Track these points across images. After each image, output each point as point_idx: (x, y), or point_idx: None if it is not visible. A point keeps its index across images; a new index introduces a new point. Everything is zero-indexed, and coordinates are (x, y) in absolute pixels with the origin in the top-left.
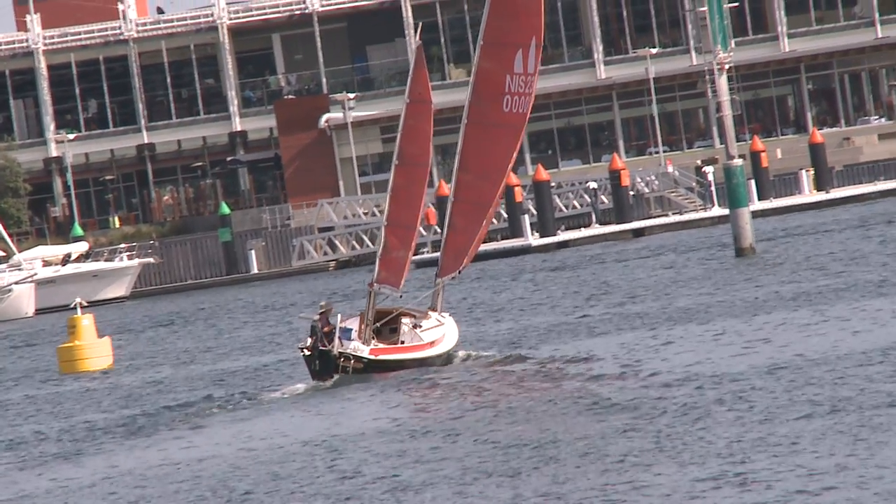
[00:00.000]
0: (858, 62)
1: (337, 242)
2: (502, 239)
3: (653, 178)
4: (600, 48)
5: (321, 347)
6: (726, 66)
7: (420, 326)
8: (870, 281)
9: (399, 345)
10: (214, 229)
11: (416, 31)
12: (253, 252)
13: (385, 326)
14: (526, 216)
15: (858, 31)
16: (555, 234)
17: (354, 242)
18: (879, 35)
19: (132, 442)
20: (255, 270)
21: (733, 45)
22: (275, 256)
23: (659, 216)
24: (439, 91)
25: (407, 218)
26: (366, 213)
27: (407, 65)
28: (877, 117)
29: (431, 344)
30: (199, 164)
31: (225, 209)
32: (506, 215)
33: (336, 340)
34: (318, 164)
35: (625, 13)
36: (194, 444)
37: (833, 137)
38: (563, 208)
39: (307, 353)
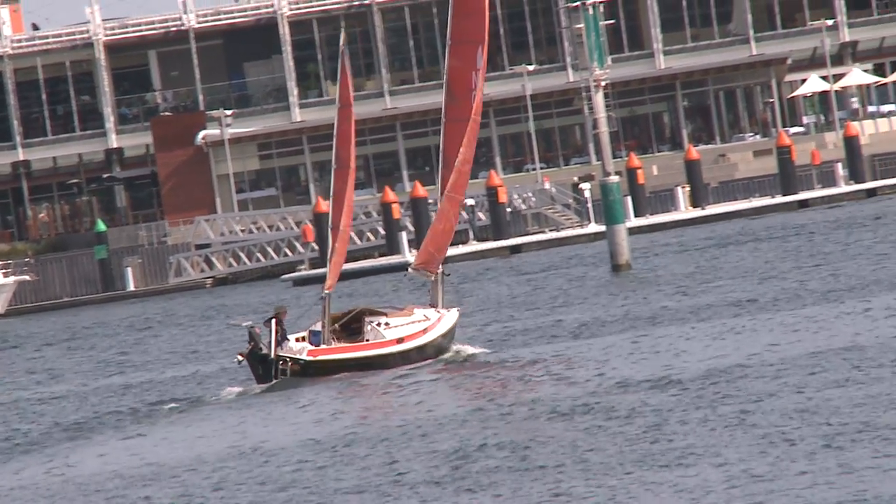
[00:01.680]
0: (733, 79)
1: (214, 259)
2: (380, 256)
3: (530, 194)
4: None
5: (265, 351)
6: (602, 83)
7: (388, 324)
8: (745, 297)
9: (356, 343)
10: (90, 246)
11: (341, 38)
12: (129, 269)
13: (354, 326)
14: (403, 233)
15: (733, 48)
16: None
17: (231, 259)
18: (754, 52)
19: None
20: (131, 288)
21: (609, 61)
22: (151, 274)
23: (536, 233)
24: (315, 108)
25: (345, 221)
26: (243, 230)
27: (283, 81)
28: (751, 134)
29: (398, 341)
30: (75, 180)
31: (101, 226)
32: (383, 232)
33: (273, 344)
34: (195, 181)
35: (501, 30)
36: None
37: (708, 154)
38: None
39: (240, 359)
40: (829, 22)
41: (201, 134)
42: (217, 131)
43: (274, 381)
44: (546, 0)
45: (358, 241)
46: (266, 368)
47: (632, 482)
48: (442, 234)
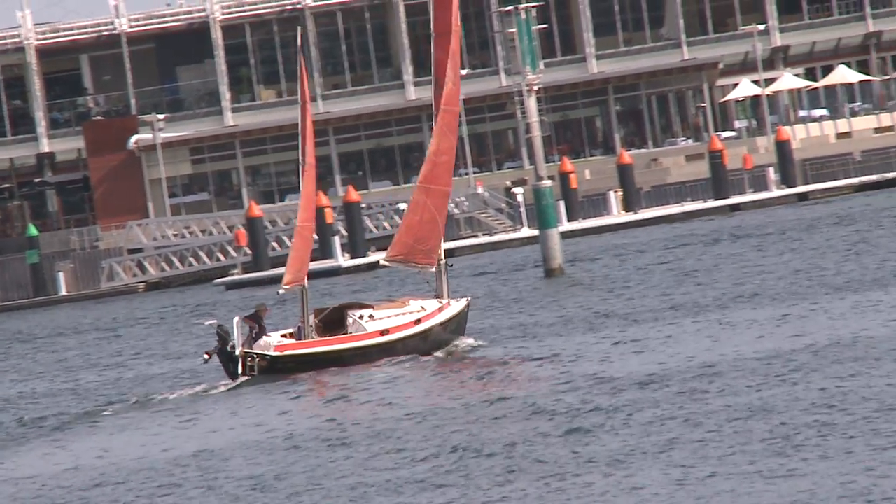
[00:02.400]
0: (665, 83)
1: (146, 264)
2: (312, 260)
3: (463, 199)
4: (410, 69)
5: (245, 350)
6: (535, 88)
7: (371, 317)
8: (677, 302)
9: (331, 337)
10: (22, 251)
11: (300, 38)
12: (61, 274)
13: (339, 321)
14: (336, 237)
15: (665, 52)
16: (365, 255)
17: (164, 264)
18: (686, 57)
19: None
20: (63, 292)
21: (542, 66)
22: (83, 278)
23: (469, 237)
24: (247, 112)
25: (302, 216)
26: (175, 235)
27: (216, 85)
28: (683, 138)
29: (381, 333)
30: (7, 185)
31: (32, 231)
32: (316, 237)
33: (240, 341)
34: (128, 186)
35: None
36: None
37: (641, 158)
38: (374, 229)
39: (207, 357)
40: (761, 27)
41: (134, 138)
42: (149, 136)
43: (241, 379)
44: (479, 5)
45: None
46: (236, 365)
47: (572, 484)
48: (421, 225)
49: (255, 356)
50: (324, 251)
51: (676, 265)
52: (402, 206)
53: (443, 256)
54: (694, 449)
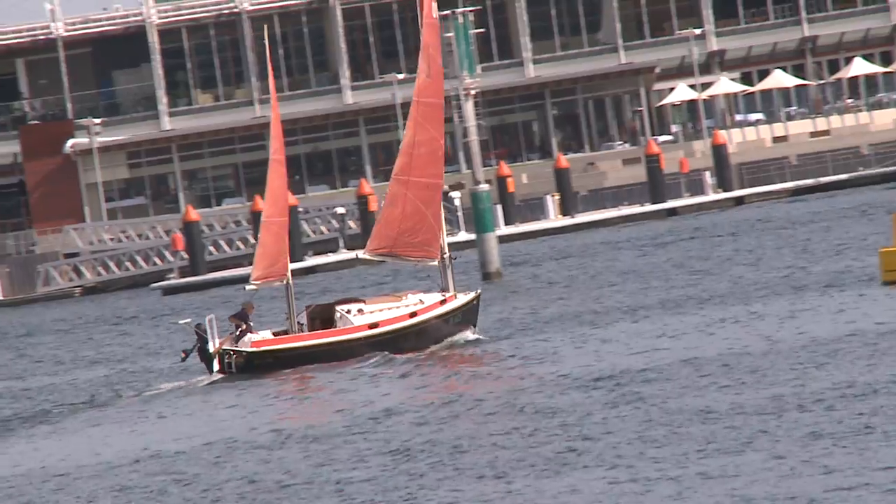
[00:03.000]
0: (602, 88)
1: (83, 268)
2: (249, 265)
3: None
4: (347, 74)
5: (223, 346)
6: (472, 92)
7: (360, 311)
8: (617, 305)
9: (313, 332)
10: None
11: (267, 38)
12: None
13: (329, 316)
14: None
15: (602, 56)
16: (302, 260)
17: (100, 268)
18: (623, 61)
19: None
20: None
21: (479, 70)
22: (19, 282)
23: None
24: (184, 117)
25: (269, 212)
26: (112, 239)
27: (152, 89)
28: (620, 143)
29: (369, 327)
30: None
31: None
32: (253, 241)
33: (213, 339)
34: (64, 190)
35: (371, 39)
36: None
37: (578, 162)
38: (311, 233)
39: (184, 357)
40: (697, 31)
41: (70, 142)
42: (86, 140)
43: (216, 376)
44: (415, 9)
45: (228, 250)
46: (210, 363)
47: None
48: (404, 218)
49: (231, 353)
50: None
51: (613, 268)
52: (340, 209)
53: (446, 250)
54: (632, 449)
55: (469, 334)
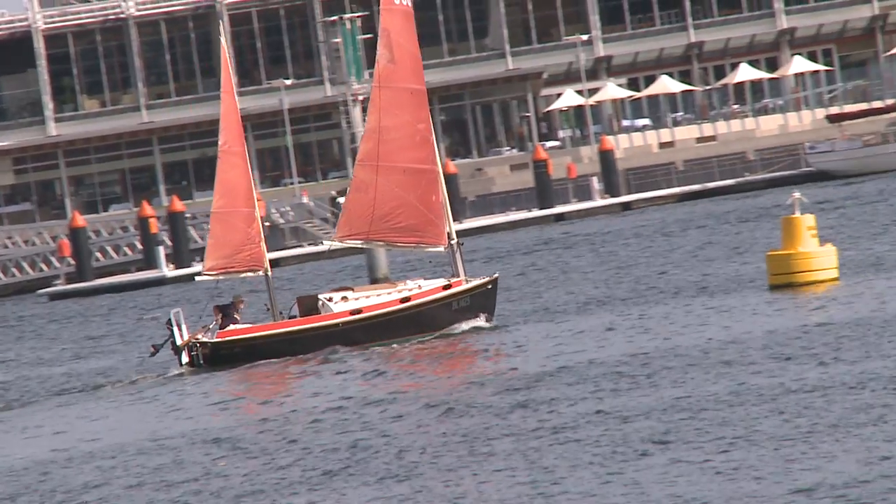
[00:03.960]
0: (490, 93)
1: None
2: (137, 270)
3: (288, 209)
4: (234, 79)
5: (191, 338)
6: (360, 97)
7: (345, 298)
8: (508, 311)
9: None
10: None
11: (224, 36)
12: None
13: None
14: (161, 247)
15: (490, 62)
16: (190, 266)
17: None
18: (510, 66)
19: None
20: None
21: (367, 76)
22: None
23: (294, 247)
24: (70, 122)
25: (220, 203)
26: None
27: (38, 95)
28: (508, 148)
29: (350, 313)
30: None
31: None
32: (140, 246)
33: (179, 333)
34: None
35: (259, 45)
36: None
37: (465, 168)
38: (199, 239)
39: (153, 351)
40: (584, 37)
41: None
42: None
43: (182, 370)
44: (303, 14)
45: (115, 256)
46: (179, 355)
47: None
48: (379, 204)
49: (198, 345)
50: (148, 261)
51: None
52: None
53: (454, 236)
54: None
55: (480, 321)
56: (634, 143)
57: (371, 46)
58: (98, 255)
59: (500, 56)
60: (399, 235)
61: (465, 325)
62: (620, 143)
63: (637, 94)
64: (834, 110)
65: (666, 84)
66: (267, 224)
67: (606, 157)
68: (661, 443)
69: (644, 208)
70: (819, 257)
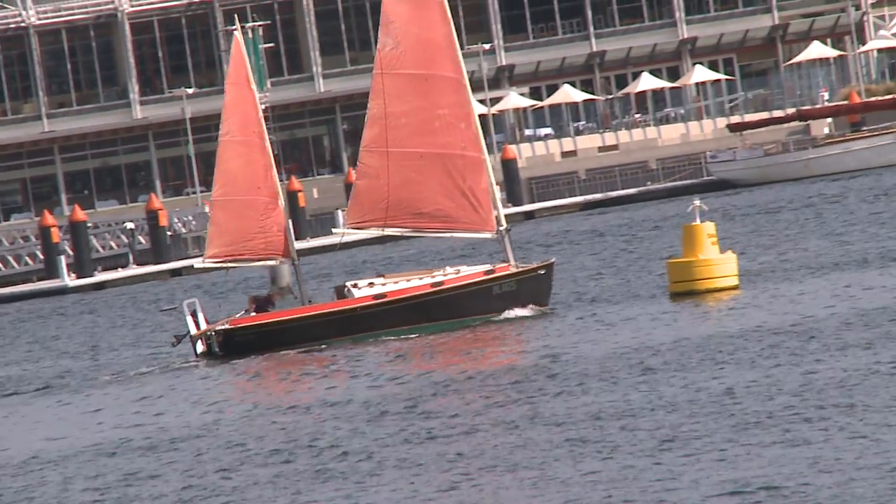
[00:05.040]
0: None
1: None
2: (38, 280)
3: (190, 218)
4: (136, 88)
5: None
6: (262, 107)
7: (371, 284)
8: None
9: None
10: None
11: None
12: None
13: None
14: (62, 257)
15: None
16: (92, 275)
17: None
18: None
19: None
20: None
21: (269, 85)
22: None
23: (196, 256)
24: None
25: (222, 191)
26: None
27: None
28: None
29: (373, 298)
30: None
31: None
32: (42, 256)
33: (193, 323)
34: None
35: (160, 53)
36: None
37: None
38: (101, 249)
39: (175, 342)
40: (486, 46)
41: None
42: None
43: (197, 359)
44: (205, 23)
45: (16, 266)
46: (193, 346)
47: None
48: (391, 190)
49: (213, 333)
50: (49, 270)
51: None
52: (130, 225)
53: (503, 221)
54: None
55: (522, 310)
56: (537, 153)
57: (272, 55)
58: None
59: None
60: (425, 221)
61: (513, 312)
62: (523, 153)
63: (539, 104)
64: (735, 119)
65: (568, 93)
66: (169, 234)
67: (509, 166)
68: (567, 446)
69: (547, 217)
70: (719, 265)
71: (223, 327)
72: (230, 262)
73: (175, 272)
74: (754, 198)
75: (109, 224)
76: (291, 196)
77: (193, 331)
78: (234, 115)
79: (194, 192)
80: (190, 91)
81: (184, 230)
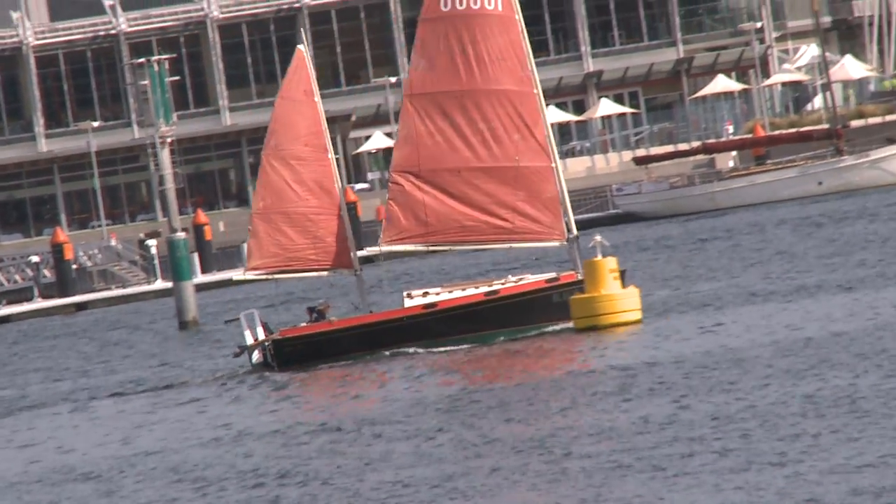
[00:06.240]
0: None
1: None
2: None
3: (96, 251)
4: (41, 121)
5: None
6: (168, 140)
7: (426, 293)
8: None
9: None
10: None
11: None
12: None
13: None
14: None
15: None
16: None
17: None
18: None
19: None
20: None
21: (175, 118)
22: None
23: (103, 290)
24: None
25: (266, 203)
26: None
27: None
28: None
29: (423, 308)
30: None
31: None
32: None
33: (251, 334)
34: None
35: (66, 87)
36: None
37: None
38: (5, 282)
39: (238, 352)
40: (393, 79)
41: None
42: None
43: (251, 368)
44: (111, 56)
45: None
46: (249, 356)
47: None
48: (428, 208)
49: (267, 343)
50: None
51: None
52: (35, 258)
53: (573, 230)
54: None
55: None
56: None
57: (178, 88)
58: None
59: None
60: (468, 234)
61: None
62: None
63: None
64: (640, 152)
65: None
66: (74, 267)
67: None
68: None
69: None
70: (622, 299)
71: (273, 338)
72: (276, 273)
73: (80, 306)
74: (659, 231)
75: (14, 258)
76: (198, 229)
77: (250, 341)
78: (285, 127)
79: (100, 226)
80: (95, 124)
81: (89, 263)
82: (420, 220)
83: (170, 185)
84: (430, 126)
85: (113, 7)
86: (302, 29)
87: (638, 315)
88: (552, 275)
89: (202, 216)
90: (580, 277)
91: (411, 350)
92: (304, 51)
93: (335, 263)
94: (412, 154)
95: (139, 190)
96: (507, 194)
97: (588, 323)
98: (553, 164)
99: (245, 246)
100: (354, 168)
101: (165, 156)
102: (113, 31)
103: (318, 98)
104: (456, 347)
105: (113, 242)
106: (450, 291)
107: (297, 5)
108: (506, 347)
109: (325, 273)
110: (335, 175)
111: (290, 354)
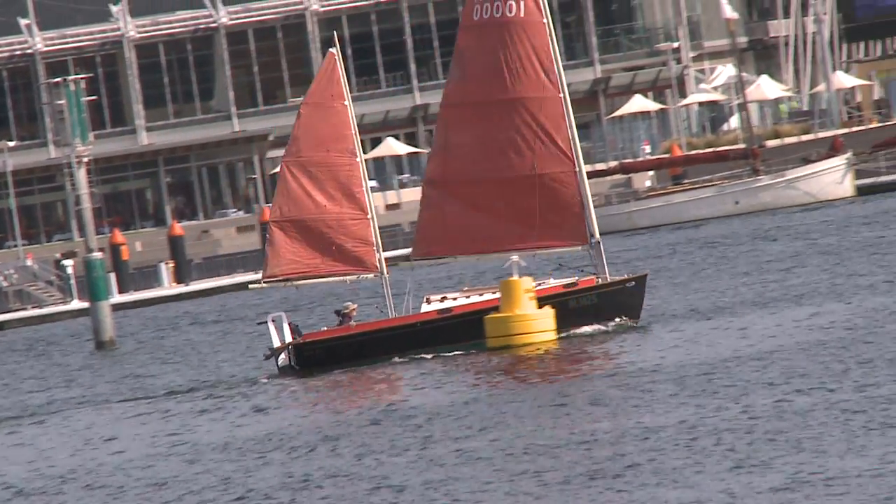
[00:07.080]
0: (216, 155)
1: None
2: None
3: (11, 271)
4: None
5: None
6: (85, 159)
7: (444, 297)
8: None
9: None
10: None
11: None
12: None
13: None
14: None
15: (216, 124)
16: None
17: None
18: (237, 129)
19: None
20: None
21: (92, 137)
22: None
23: (18, 310)
24: None
25: (284, 209)
26: None
27: None
28: (234, 210)
29: (438, 313)
30: None
31: None
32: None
33: (277, 337)
34: None
35: None
36: None
37: (192, 230)
38: None
39: (269, 354)
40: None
41: None
42: None
43: (276, 372)
44: (26, 76)
45: None
46: (276, 359)
47: None
48: (441, 220)
49: (290, 347)
50: None
51: (228, 336)
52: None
53: (595, 234)
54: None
55: (612, 323)
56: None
57: (94, 108)
58: None
59: (227, 118)
60: (493, 244)
61: (593, 327)
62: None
63: (364, 156)
64: None
65: (392, 146)
66: None
67: None
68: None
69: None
70: (537, 319)
71: (295, 341)
72: (295, 279)
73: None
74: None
75: None
76: (114, 249)
77: (277, 344)
78: (308, 134)
79: (16, 246)
80: (11, 144)
81: (5, 283)
82: (445, 233)
83: (86, 205)
84: (460, 137)
85: (29, 26)
86: (335, 32)
87: (552, 335)
88: (571, 279)
89: (119, 236)
90: (602, 281)
91: (429, 356)
92: (335, 53)
93: (361, 267)
94: (441, 165)
95: (55, 210)
96: (530, 201)
97: (502, 343)
98: (576, 169)
99: (162, 266)
100: (272, 188)
101: (82, 175)
102: (29, 51)
103: (348, 102)
104: (471, 352)
105: (29, 262)
106: (467, 297)
107: (213, 25)
108: (515, 353)
109: (348, 278)
110: (364, 178)
111: (310, 358)
